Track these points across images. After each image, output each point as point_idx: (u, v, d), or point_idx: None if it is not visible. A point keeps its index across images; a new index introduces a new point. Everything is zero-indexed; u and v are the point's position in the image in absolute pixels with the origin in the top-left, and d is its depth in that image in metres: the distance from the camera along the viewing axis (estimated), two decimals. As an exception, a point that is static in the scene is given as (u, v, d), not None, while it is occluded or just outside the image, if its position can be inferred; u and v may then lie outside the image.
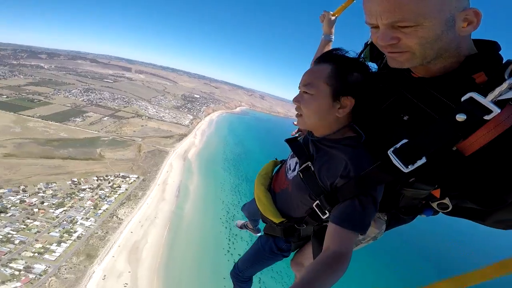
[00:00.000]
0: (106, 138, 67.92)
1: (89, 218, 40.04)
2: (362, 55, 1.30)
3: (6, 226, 35.27)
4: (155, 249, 37.57)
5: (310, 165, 1.23)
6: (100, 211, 41.79)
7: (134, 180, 51.41)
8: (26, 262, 31.44)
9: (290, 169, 1.45)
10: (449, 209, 1.08)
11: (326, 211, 1.17)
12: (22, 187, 42.46)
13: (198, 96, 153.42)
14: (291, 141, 1.46)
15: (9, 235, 34.20)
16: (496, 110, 0.77)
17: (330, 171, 1.14)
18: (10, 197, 39.96)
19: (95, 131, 70.86)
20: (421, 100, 1.01)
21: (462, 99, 0.83)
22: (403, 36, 0.84)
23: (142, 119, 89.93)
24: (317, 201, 1.20)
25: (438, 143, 0.87)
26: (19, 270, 30.27)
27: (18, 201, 39.71)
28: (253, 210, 2.02)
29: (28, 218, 37.49)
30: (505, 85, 0.76)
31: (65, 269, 31.75)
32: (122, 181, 49.91)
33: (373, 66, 1.29)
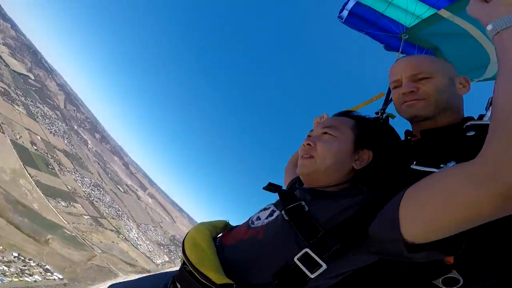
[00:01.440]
0: (68, 232, 58.68)
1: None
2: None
3: None
4: None
5: (303, 204, 0.96)
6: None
7: (55, 279, 39.21)
8: None
9: (259, 219, 1.07)
10: (460, 284, 0.86)
11: (322, 263, 0.80)
12: None
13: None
14: (272, 188, 1.19)
15: None
16: None
17: (334, 210, 0.90)
18: None
19: (66, 221, 63.08)
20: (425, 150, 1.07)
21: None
22: (421, 85, 1.11)
23: (118, 237, 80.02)
24: (306, 249, 0.82)
25: None
26: None
27: None
28: None
29: None
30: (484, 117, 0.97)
31: None
32: (40, 273, 38.36)
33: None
